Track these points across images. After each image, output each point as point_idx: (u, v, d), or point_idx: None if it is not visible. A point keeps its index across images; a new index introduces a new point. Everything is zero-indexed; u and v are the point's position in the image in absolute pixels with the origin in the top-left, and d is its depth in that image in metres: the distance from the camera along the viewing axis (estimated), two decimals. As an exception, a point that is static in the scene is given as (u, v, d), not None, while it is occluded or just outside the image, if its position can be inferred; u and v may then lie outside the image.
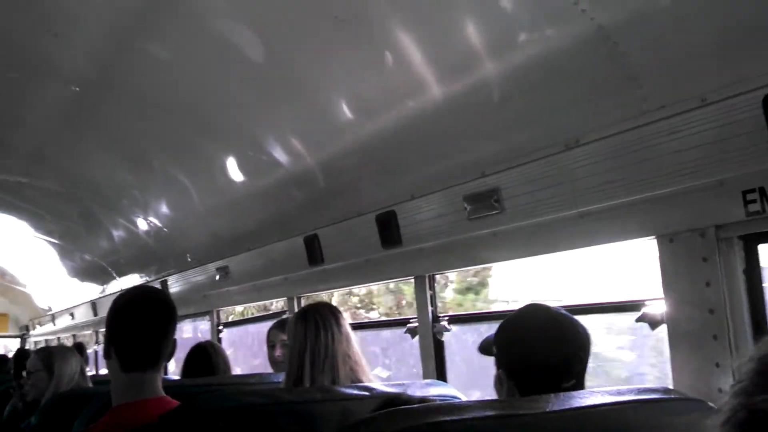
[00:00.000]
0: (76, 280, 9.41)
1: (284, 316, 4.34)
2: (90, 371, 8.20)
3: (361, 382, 2.76)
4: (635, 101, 2.34)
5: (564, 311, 2.08)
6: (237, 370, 4.46)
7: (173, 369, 6.66)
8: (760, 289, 2.23)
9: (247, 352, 6.45)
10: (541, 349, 2.00)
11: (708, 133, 2.19)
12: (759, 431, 0.56)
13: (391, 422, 1.41)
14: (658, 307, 2.49)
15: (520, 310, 2.16)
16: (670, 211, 2.36)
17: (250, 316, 7.29)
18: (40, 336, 12.68)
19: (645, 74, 2.30)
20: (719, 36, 2.12)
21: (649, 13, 2.20)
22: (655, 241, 2.43)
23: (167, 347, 2.26)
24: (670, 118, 2.27)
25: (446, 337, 3.56)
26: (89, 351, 9.63)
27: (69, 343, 10.14)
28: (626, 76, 2.33)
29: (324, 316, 2.83)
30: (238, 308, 7.12)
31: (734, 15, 2.05)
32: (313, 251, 4.25)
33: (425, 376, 3.55)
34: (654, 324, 2.52)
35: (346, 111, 3.40)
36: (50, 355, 4.11)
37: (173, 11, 3.15)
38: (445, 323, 3.54)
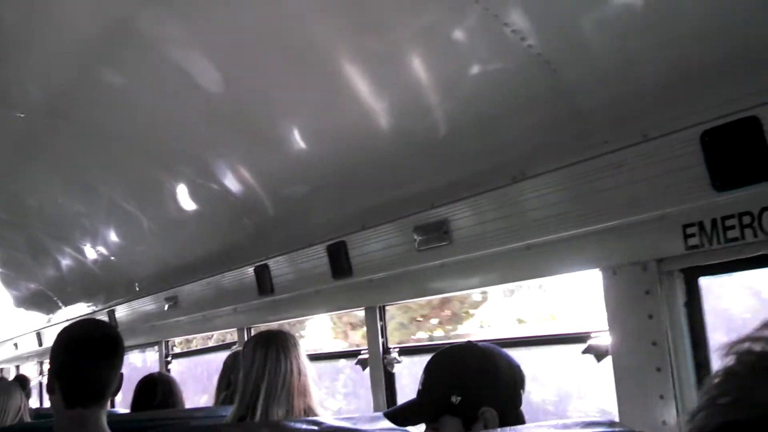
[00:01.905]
0: (20, 310, 9.21)
1: (235, 348, 4.30)
2: (34, 404, 8.01)
3: (311, 412, 2.73)
4: (580, 136, 2.39)
5: (492, 345, 2.07)
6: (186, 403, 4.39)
7: (120, 400, 6.55)
8: (701, 322, 2.27)
9: (196, 384, 6.36)
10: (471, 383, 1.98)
11: (649, 168, 2.24)
12: None
13: None
14: (604, 339, 2.52)
15: (453, 352, 2.12)
16: (614, 244, 2.41)
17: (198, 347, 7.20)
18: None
19: (589, 110, 2.36)
20: (661, 74, 2.18)
21: (595, 51, 2.25)
22: (599, 273, 2.47)
23: (113, 383, 2.22)
24: (613, 152, 2.32)
25: (397, 369, 3.55)
26: (33, 383, 9.41)
27: (11, 374, 9.89)
28: (571, 111, 2.38)
29: (285, 345, 2.78)
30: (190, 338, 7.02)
31: (676, 55, 2.11)
32: (264, 281, 4.22)
33: (375, 408, 3.54)
34: (599, 356, 2.54)
35: (298, 141, 3.41)
36: None
37: (126, 39, 3.12)
38: (395, 354, 3.53)
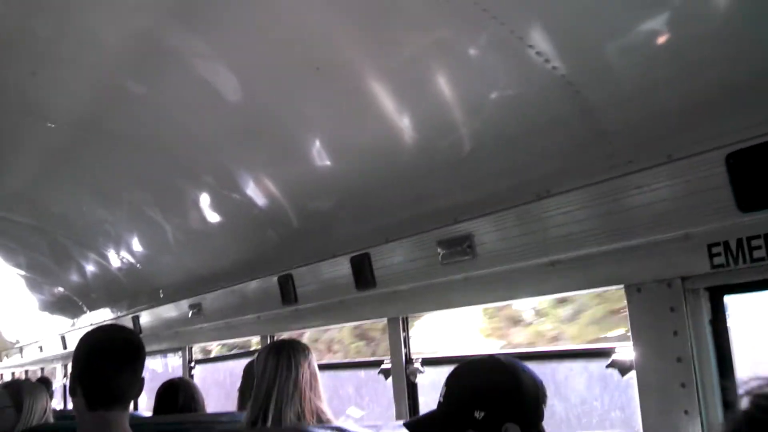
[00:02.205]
0: (45, 313, 9.31)
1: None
2: (58, 405, 8.10)
3: (324, 420, 2.77)
4: (604, 156, 2.41)
5: (515, 360, 2.08)
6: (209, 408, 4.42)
7: (144, 405, 6.60)
8: (727, 339, 2.28)
9: (219, 390, 6.40)
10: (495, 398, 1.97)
11: (674, 188, 2.25)
12: None
13: None
14: (628, 353, 2.53)
15: (476, 365, 2.11)
16: (638, 261, 2.42)
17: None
18: (6, 368, 12.49)
19: (613, 130, 2.37)
20: (686, 95, 2.19)
21: (619, 72, 2.27)
22: (624, 290, 2.48)
23: (134, 386, 2.26)
24: (638, 172, 2.34)
25: (419, 379, 3.58)
26: (57, 385, 9.51)
27: (36, 376, 10.00)
28: (595, 131, 2.40)
29: (295, 353, 2.84)
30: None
31: (700, 76, 2.12)
32: (287, 291, 4.26)
33: (398, 417, 3.56)
34: (623, 371, 2.56)
35: (323, 155, 3.45)
36: (19, 390, 4.05)
37: (154, 53, 3.18)
38: (418, 365, 3.56)
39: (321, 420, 2.75)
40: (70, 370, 2.36)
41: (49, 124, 4.08)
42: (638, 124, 2.32)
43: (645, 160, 2.31)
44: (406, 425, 2.13)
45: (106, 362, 2.22)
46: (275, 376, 2.77)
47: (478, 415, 1.92)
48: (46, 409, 3.99)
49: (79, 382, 2.22)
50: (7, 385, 4.19)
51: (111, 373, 2.21)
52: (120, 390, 2.22)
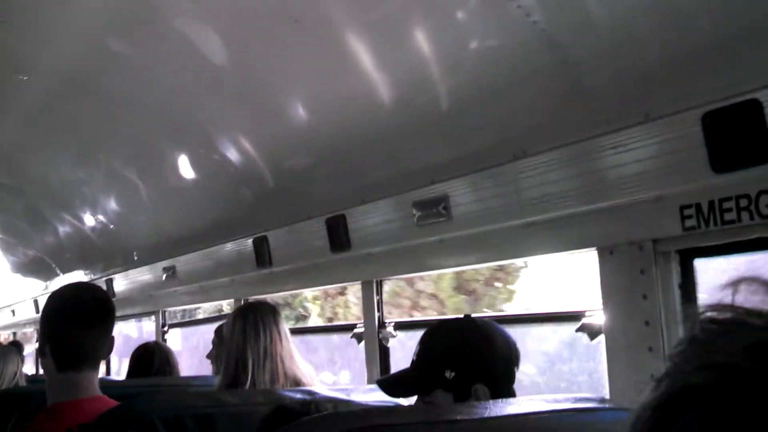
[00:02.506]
0: (18, 276, 9.24)
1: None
2: (30, 370, 8.05)
3: (301, 381, 2.77)
4: (583, 114, 2.40)
5: (489, 321, 2.07)
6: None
7: (116, 369, 6.58)
8: (695, 303, 2.29)
9: (193, 354, 6.39)
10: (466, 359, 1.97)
11: (649, 148, 2.24)
12: (692, 407, 0.58)
13: (327, 425, 1.41)
14: (597, 318, 2.54)
15: (445, 326, 2.14)
16: (611, 224, 2.42)
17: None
18: (-22, 332, 12.39)
19: (593, 87, 2.36)
20: (667, 52, 2.18)
21: (600, 27, 2.25)
22: (596, 252, 2.48)
23: (104, 346, 2.24)
24: (615, 132, 2.32)
25: (391, 343, 3.57)
26: (29, 349, 9.45)
27: (8, 340, 9.93)
28: (575, 88, 2.39)
29: (263, 315, 2.83)
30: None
31: (682, 34, 2.11)
32: (262, 253, 4.24)
33: (369, 381, 3.56)
34: (593, 335, 2.57)
35: (299, 113, 3.42)
36: None
37: (133, 8, 3.14)
38: (391, 329, 3.56)
39: (298, 384, 2.75)
40: (39, 331, 2.32)
41: (22, 77, 4.01)
42: (619, 81, 2.30)
43: (623, 119, 2.29)
44: (378, 382, 2.13)
45: (75, 322, 2.19)
46: (244, 340, 2.77)
47: (449, 375, 1.92)
48: (16, 373, 3.97)
49: (47, 343, 2.19)
50: None
51: (80, 333, 2.19)
52: (90, 350, 2.20)
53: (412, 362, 2.04)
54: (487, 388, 1.91)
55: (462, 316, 2.15)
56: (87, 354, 2.19)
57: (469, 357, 1.95)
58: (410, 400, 2.10)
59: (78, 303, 2.24)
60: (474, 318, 2.08)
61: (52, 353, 2.17)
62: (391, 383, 2.10)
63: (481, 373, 1.93)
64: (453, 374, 1.92)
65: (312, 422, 1.50)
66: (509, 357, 1.98)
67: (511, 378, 1.97)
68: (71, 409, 2.14)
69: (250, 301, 3.11)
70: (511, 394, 2.00)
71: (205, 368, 4.05)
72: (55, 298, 2.29)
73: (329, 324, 4.50)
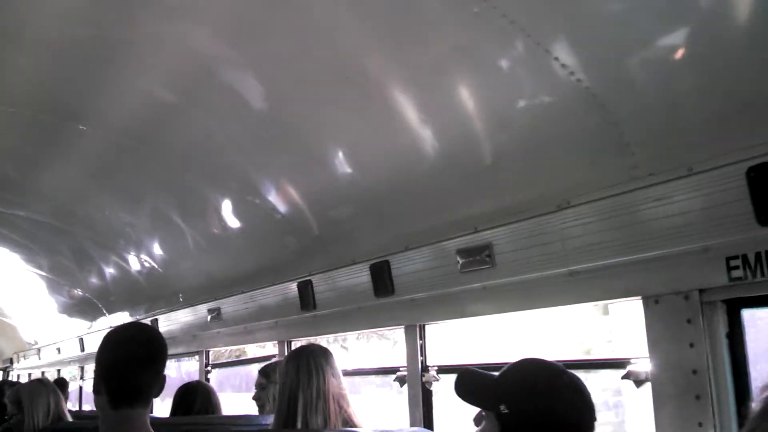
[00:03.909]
0: (64, 315, 9.38)
1: (274, 360, 4.37)
2: (74, 407, 8.15)
3: (352, 422, 2.80)
4: (625, 167, 2.44)
5: (564, 367, 2.03)
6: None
7: (159, 407, 6.63)
8: (743, 352, 2.29)
9: (235, 394, 6.44)
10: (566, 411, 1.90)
11: (694, 201, 2.28)
12: None
13: None
14: (643, 365, 2.55)
15: (522, 364, 2.04)
16: (657, 273, 2.44)
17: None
18: (23, 369, 12.56)
19: (635, 142, 2.40)
20: (708, 109, 2.22)
21: (642, 84, 2.30)
22: (641, 302, 2.50)
23: (156, 384, 2.28)
24: (659, 185, 2.36)
25: (434, 387, 3.59)
26: (75, 386, 9.57)
27: (53, 377, 10.06)
28: (617, 143, 2.43)
29: (316, 358, 2.86)
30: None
31: (723, 90, 2.16)
32: (306, 297, 4.30)
33: (412, 424, 3.58)
34: (639, 382, 2.57)
35: (344, 163, 3.49)
36: (17, 393, 4.09)
37: (180, 58, 3.24)
38: (434, 373, 3.58)
39: (348, 425, 2.77)
40: (94, 369, 2.39)
41: (81, 127, 4.14)
42: (660, 136, 2.35)
43: (666, 172, 2.34)
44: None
45: (130, 360, 2.25)
46: (297, 382, 2.80)
47: (503, 409, 1.89)
48: (49, 407, 4.01)
49: (102, 381, 2.24)
50: (10, 393, 4.22)
51: (134, 371, 2.24)
52: (143, 388, 2.25)
53: (495, 379, 2.01)
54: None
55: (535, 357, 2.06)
56: (140, 391, 2.24)
57: (526, 399, 1.91)
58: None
59: (133, 342, 2.31)
60: (546, 361, 2.00)
61: (107, 390, 2.22)
62: (466, 383, 2.06)
63: (534, 418, 1.88)
64: (507, 411, 1.90)
65: None
66: (573, 408, 1.89)
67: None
68: None
69: (301, 344, 3.15)
70: None
71: (246, 408, 4.08)
72: (111, 337, 2.35)
73: (372, 368, 4.52)
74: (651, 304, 2.47)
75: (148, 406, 2.29)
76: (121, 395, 2.22)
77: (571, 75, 2.32)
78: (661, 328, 2.45)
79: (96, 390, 2.26)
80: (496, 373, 2.04)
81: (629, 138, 2.40)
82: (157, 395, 2.34)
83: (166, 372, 2.38)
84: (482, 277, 3.08)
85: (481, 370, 2.13)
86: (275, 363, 3.86)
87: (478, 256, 3.04)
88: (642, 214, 2.43)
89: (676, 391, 2.38)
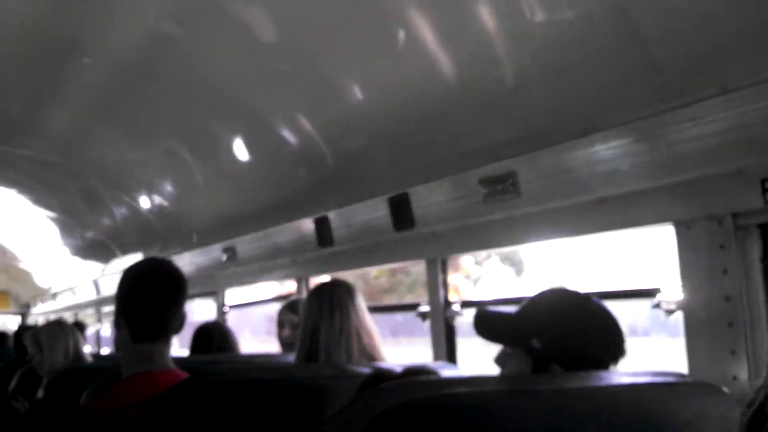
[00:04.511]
0: (77, 258, 9.41)
1: (293, 298, 4.36)
2: (92, 350, 8.22)
3: (377, 359, 2.79)
4: (655, 87, 2.34)
5: (591, 297, 2.01)
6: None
7: (176, 348, 6.66)
8: (777, 277, 2.24)
9: (253, 335, 6.45)
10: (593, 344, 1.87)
11: (728, 121, 2.18)
12: None
13: (408, 392, 1.41)
14: (674, 293, 2.50)
15: (549, 295, 2.01)
16: (688, 198, 2.37)
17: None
18: (41, 313, 12.69)
19: (665, 60, 2.30)
20: (742, 23, 2.11)
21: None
22: (672, 227, 2.44)
23: (177, 319, 2.31)
24: (690, 105, 2.26)
25: (457, 321, 3.56)
26: (91, 330, 9.65)
27: (70, 320, 10.15)
28: (646, 62, 2.33)
29: (339, 294, 2.85)
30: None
31: (758, 3, 2.05)
32: (323, 233, 4.24)
33: (435, 359, 3.56)
34: (670, 311, 2.53)
35: (358, 91, 3.40)
36: (37, 335, 4.13)
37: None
38: (456, 308, 3.54)
39: (373, 359, 2.78)
40: (114, 304, 2.38)
41: (86, 60, 4.06)
42: (691, 53, 2.24)
43: (698, 91, 2.23)
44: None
45: (150, 294, 2.27)
46: (319, 320, 2.79)
47: (535, 344, 1.86)
48: (68, 347, 4.04)
49: (123, 315, 2.26)
50: (29, 334, 4.26)
51: (155, 306, 2.26)
52: (164, 322, 2.27)
53: (515, 313, 1.98)
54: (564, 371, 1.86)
55: (561, 287, 2.04)
56: (162, 326, 2.27)
57: (558, 333, 1.87)
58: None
59: (153, 277, 2.32)
60: (574, 292, 1.97)
61: (128, 325, 2.24)
62: (487, 321, 2.02)
63: (567, 352, 1.84)
64: (539, 345, 1.86)
65: (418, 384, 1.52)
66: (607, 340, 1.88)
67: (601, 363, 1.90)
68: (146, 381, 2.20)
69: (325, 281, 3.14)
70: None
71: (264, 348, 4.08)
72: (130, 272, 2.37)
73: (392, 304, 4.48)
74: (683, 230, 2.40)
75: (169, 341, 2.32)
76: (142, 329, 2.25)
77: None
78: (693, 254, 2.38)
79: (117, 324, 2.30)
80: (511, 310, 2.01)
81: (658, 55, 2.30)
82: (177, 331, 2.36)
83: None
84: (506, 206, 3.00)
85: (497, 310, 2.11)
86: (298, 300, 3.85)
87: (502, 185, 2.96)
88: (673, 137, 2.34)
89: (708, 318, 2.33)
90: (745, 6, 2.08)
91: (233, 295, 6.06)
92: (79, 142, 5.79)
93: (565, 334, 1.88)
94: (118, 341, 2.31)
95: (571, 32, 2.46)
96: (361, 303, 2.87)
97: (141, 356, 2.23)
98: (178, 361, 2.40)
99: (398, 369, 2.12)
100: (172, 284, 2.32)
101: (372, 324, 2.87)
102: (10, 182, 7.54)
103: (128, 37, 3.71)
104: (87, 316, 10.46)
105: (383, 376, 1.95)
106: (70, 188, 7.15)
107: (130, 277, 2.34)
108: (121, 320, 2.26)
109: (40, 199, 7.99)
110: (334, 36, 3.14)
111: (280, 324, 3.83)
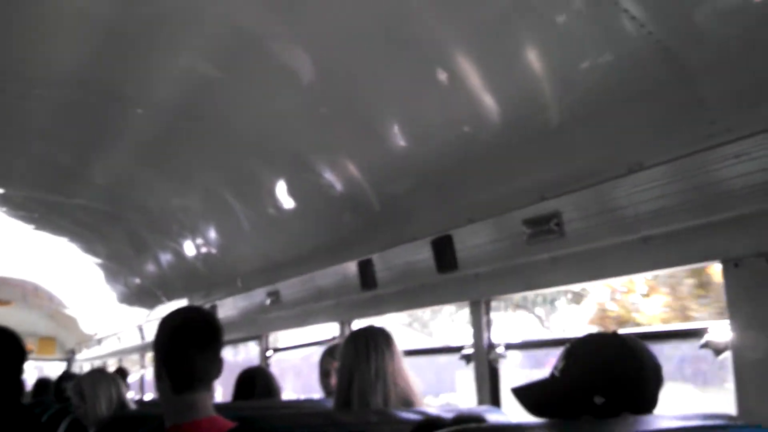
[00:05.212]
0: (123, 305, 9.50)
1: (335, 341, 4.36)
2: (136, 396, 8.27)
3: (413, 404, 2.78)
4: (701, 124, 2.33)
5: (639, 340, 1.99)
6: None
7: (220, 396, 6.67)
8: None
9: (295, 379, 6.45)
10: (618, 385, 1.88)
11: (774, 156, 2.17)
12: None
13: None
14: (722, 333, 2.46)
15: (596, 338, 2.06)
16: (735, 235, 2.34)
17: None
18: (86, 359, 12.79)
19: (711, 97, 2.30)
20: (787, 60, 2.11)
21: (716, 36, 2.20)
22: (720, 266, 2.41)
23: (216, 366, 2.31)
24: (737, 141, 2.25)
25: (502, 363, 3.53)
26: (136, 375, 9.70)
27: (114, 366, 10.21)
28: (693, 99, 2.33)
29: (375, 338, 2.86)
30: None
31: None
32: (366, 275, 4.25)
33: (480, 403, 3.52)
34: (718, 351, 2.48)
35: (401, 134, 3.43)
36: (79, 384, 4.15)
37: (236, 37, 3.22)
38: (501, 349, 3.51)
39: (409, 404, 2.77)
40: (153, 355, 2.39)
41: (130, 108, 4.15)
42: (737, 90, 2.24)
43: (744, 127, 2.22)
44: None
45: (189, 344, 2.27)
46: (356, 365, 2.80)
47: (598, 400, 1.84)
48: (111, 396, 4.06)
49: (163, 366, 2.26)
50: (73, 384, 4.28)
51: (194, 355, 2.26)
52: (203, 371, 2.27)
53: (554, 377, 1.96)
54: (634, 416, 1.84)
55: (610, 331, 2.07)
56: (202, 375, 2.26)
57: (622, 383, 1.87)
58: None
59: (190, 325, 2.33)
60: (623, 336, 1.99)
61: (169, 376, 2.24)
62: (531, 397, 2.02)
63: (630, 399, 1.85)
64: (603, 400, 1.84)
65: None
66: (657, 381, 1.90)
67: (656, 401, 1.90)
68: (193, 429, 2.20)
69: (362, 327, 3.15)
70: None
71: (307, 392, 4.07)
72: (168, 321, 2.36)
73: (436, 347, 4.44)
74: (731, 267, 2.36)
75: (210, 388, 2.31)
76: (183, 379, 2.24)
77: (642, 27, 2.22)
78: (742, 292, 2.34)
79: (158, 376, 2.28)
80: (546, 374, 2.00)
81: (705, 93, 2.29)
82: (217, 377, 2.35)
83: (229, 358, 2.38)
84: (551, 247, 2.98)
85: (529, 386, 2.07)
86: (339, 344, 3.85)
87: (546, 226, 2.95)
88: (719, 173, 2.32)
89: (758, 358, 2.28)
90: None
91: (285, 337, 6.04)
92: (125, 189, 5.88)
93: (626, 384, 1.87)
94: (160, 392, 2.30)
95: (616, 72, 2.47)
96: (398, 348, 2.87)
97: (183, 406, 2.23)
98: (222, 407, 2.41)
99: (448, 415, 2.12)
100: (209, 331, 2.32)
101: (408, 368, 2.87)
102: (61, 230, 7.67)
103: (171, 83, 3.78)
104: (131, 362, 10.52)
105: (434, 423, 1.94)
106: (117, 234, 7.25)
107: (167, 327, 2.34)
108: (162, 371, 2.25)
109: (87, 246, 8.11)
110: (377, 78, 3.18)
111: (324, 371, 3.83)
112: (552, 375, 1.97)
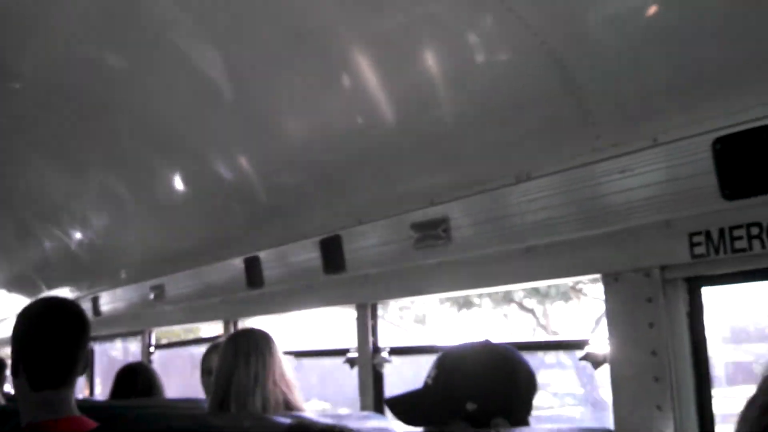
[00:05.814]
0: (2, 291, 9.10)
1: (220, 340, 4.24)
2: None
3: (294, 408, 2.73)
4: (588, 138, 2.34)
5: (512, 349, 2.01)
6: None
7: (100, 391, 6.46)
8: (703, 332, 2.23)
9: (178, 378, 6.29)
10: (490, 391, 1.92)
11: (658, 173, 2.19)
12: None
13: None
14: (602, 346, 2.48)
15: (479, 353, 2.05)
16: (617, 249, 2.36)
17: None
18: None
19: (599, 111, 2.30)
20: (674, 77, 2.13)
21: (607, 50, 2.21)
22: (600, 279, 2.43)
23: (81, 361, 2.13)
24: (622, 156, 2.27)
25: (386, 369, 3.49)
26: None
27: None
28: (580, 112, 2.33)
29: (256, 341, 2.81)
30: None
31: (689, 58, 2.07)
32: (253, 273, 4.15)
33: (363, 408, 3.49)
34: (597, 363, 2.50)
35: (295, 129, 3.37)
36: None
37: (127, 19, 3.11)
38: (385, 354, 3.47)
39: (289, 409, 2.72)
40: (11, 348, 2.15)
41: (16, 85, 3.95)
42: (625, 105, 2.25)
43: (630, 143, 2.24)
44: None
45: (48, 338, 2.09)
46: (235, 367, 2.74)
47: (470, 407, 1.85)
48: None
49: (20, 361, 2.08)
50: None
51: (55, 349, 2.08)
52: (66, 365, 2.09)
53: (427, 385, 1.97)
54: (507, 421, 1.85)
55: (482, 341, 2.07)
56: (64, 371, 2.09)
57: (493, 389, 1.90)
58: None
59: (51, 316, 2.14)
60: (496, 345, 2.00)
61: (26, 371, 2.06)
62: (404, 407, 2.01)
63: (503, 405, 1.88)
64: (475, 407, 1.86)
65: None
66: (530, 387, 1.93)
67: (530, 408, 1.92)
68: (46, 430, 2.04)
69: (243, 327, 3.08)
70: (527, 424, 1.95)
71: (191, 390, 3.97)
72: (26, 314, 2.18)
73: (321, 349, 4.36)
74: (610, 281, 2.39)
75: (73, 385, 2.13)
76: (42, 376, 2.06)
77: (535, 36, 2.21)
78: (620, 306, 2.37)
79: (14, 372, 2.09)
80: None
81: (592, 106, 2.30)
82: (81, 374, 2.18)
83: (111, 354, 2.24)
84: (437, 252, 2.96)
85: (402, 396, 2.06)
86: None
87: (434, 231, 2.92)
88: (603, 187, 2.33)
89: (634, 372, 2.31)
90: (678, 60, 2.10)
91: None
92: (7, 171, 5.61)
93: (498, 391, 1.90)
94: (17, 388, 2.13)
95: (507, 77, 2.46)
96: (279, 351, 2.82)
97: (42, 404, 2.04)
98: (91, 407, 2.27)
99: (320, 420, 2.06)
100: (72, 325, 2.14)
101: (290, 372, 2.82)
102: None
103: (60, 62, 3.63)
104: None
105: (305, 427, 1.88)
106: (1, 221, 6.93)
107: (24, 319, 2.15)
108: (19, 367, 2.06)
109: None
110: (274, 73, 3.10)
111: (206, 370, 3.72)
112: (425, 384, 1.97)
